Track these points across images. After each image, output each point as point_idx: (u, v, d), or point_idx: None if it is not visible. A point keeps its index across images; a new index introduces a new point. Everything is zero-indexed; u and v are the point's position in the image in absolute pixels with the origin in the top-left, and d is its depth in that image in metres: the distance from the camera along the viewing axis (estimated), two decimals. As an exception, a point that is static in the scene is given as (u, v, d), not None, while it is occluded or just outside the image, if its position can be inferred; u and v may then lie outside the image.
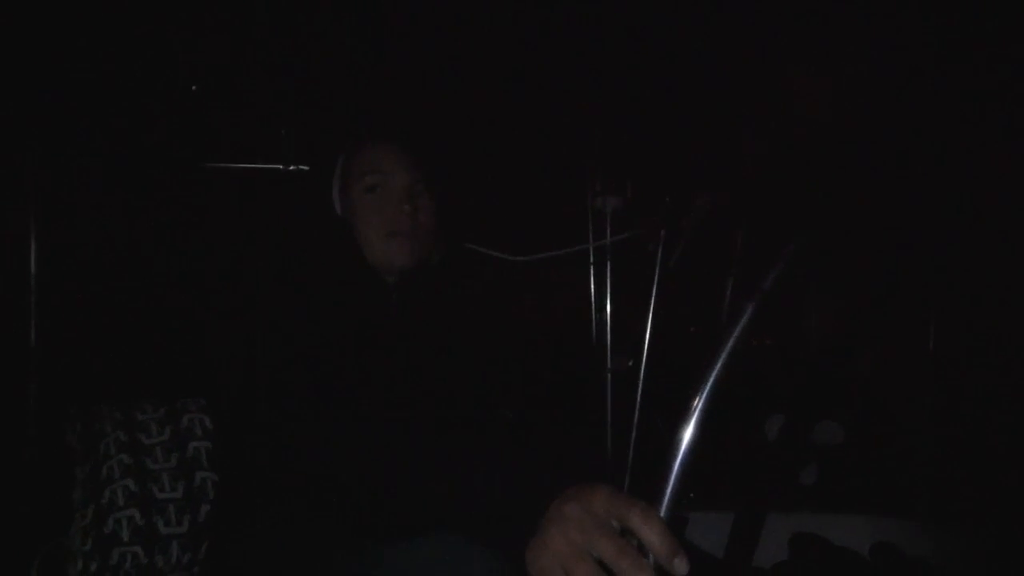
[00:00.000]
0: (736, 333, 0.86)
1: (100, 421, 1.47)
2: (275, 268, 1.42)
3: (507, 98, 2.20)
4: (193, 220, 1.79)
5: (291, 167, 1.97)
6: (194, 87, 1.76)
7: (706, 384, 0.85)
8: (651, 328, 1.99)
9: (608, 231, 2.27)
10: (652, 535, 0.81)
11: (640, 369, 2.02)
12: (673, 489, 0.82)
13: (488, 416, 1.36)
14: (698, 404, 0.84)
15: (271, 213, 1.85)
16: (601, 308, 2.34)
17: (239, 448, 1.31)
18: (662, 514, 0.82)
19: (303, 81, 2.02)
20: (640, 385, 2.03)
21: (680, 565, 0.80)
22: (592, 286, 2.32)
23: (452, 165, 1.48)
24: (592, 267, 2.28)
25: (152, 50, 1.78)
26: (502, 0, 2.16)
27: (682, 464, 0.83)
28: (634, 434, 2.03)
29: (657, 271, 1.95)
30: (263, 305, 1.34)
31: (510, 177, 2.36)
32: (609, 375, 2.32)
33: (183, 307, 1.72)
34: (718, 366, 0.85)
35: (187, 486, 1.39)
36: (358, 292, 1.34)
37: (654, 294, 1.97)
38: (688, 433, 0.83)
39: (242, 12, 1.86)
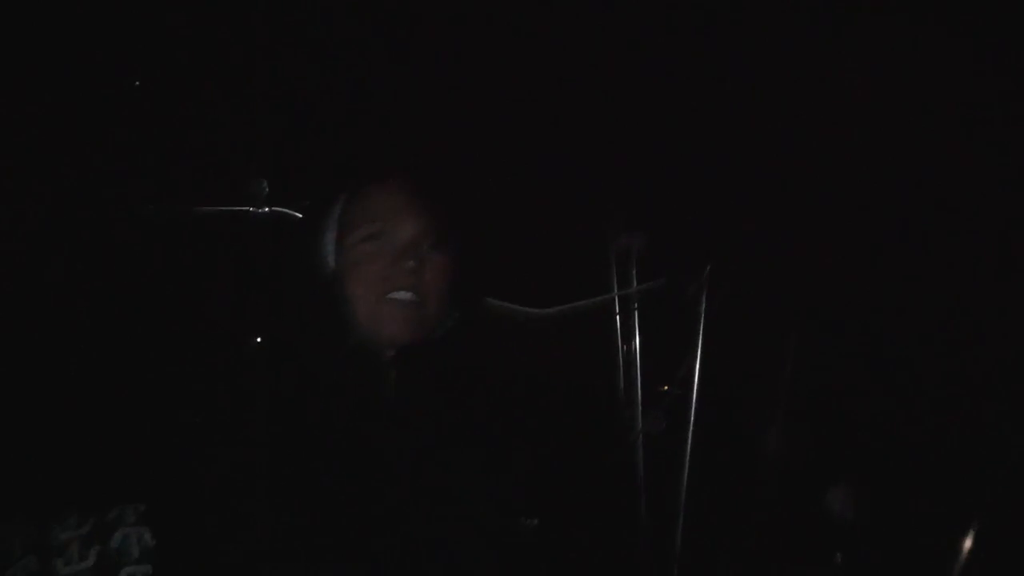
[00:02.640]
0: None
1: (7, 541, 1.13)
2: (239, 335, 1.14)
3: (512, 119, 1.92)
4: (131, 272, 1.47)
5: (264, 209, 1.66)
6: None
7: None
8: (697, 384, 1.67)
9: (634, 274, 1.99)
10: None
11: (688, 427, 1.70)
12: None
13: (507, 529, 1.06)
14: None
15: (239, 265, 1.54)
16: (629, 362, 2.04)
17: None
18: None
19: (286, 106, 1.73)
20: (688, 446, 1.71)
21: None
22: (619, 338, 2.02)
23: (473, 211, 1.20)
24: (617, 318, 1.99)
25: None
26: (513, 24, 1.90)
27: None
28: (681, 514, 1.70)
29: (701, 320, 1.64)
30: (221, 381, 1.07)
31: (518, 215, 2.06)
32: (640, 437, 2.02)
33: (118, 384, 1.39)
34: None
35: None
36: (346, 370, 1.04)
37: (699, 347, 1.65)
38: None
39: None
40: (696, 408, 1.65)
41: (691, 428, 1.63)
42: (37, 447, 1.34)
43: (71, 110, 1.59)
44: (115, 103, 1.63)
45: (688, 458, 1.64)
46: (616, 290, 1.96)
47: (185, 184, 1.57)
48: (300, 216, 1.55)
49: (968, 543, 1.60)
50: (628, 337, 2.02)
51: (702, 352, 1.66)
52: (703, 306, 1.64)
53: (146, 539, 1.17)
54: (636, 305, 1.96)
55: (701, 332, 1.64)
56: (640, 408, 2.03)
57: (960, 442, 1.88)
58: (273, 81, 1.72)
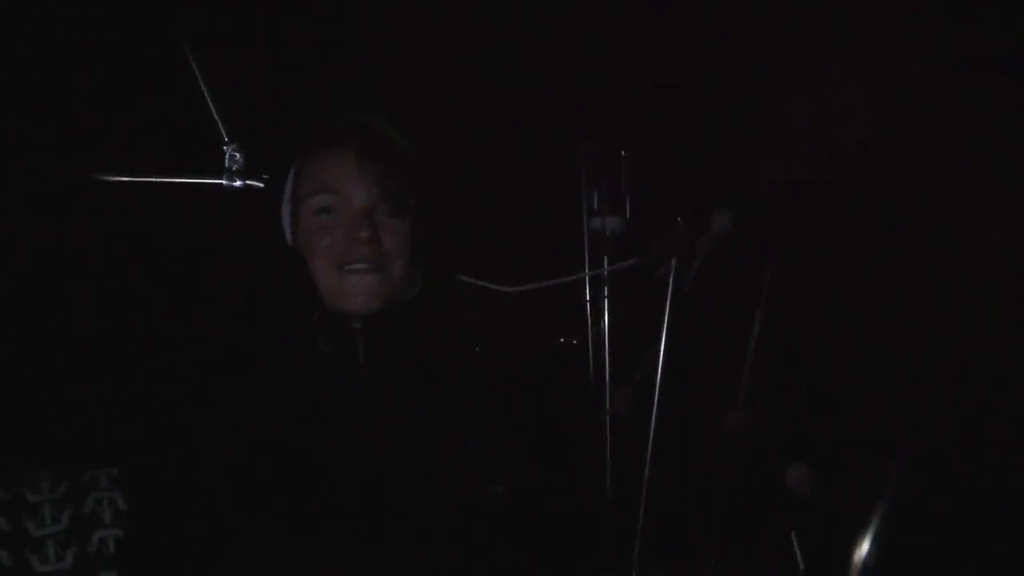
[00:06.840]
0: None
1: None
2: (208, 310, 1.15)
3: (487, 97, 1.91)
4: (103, 246, 1.46)
5: (237, 183, 1.66)
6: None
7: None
8: (662, 366, 1.71)
9: (606, 256, 2.02)
10: None
11: (652, 410, 1.74)
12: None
13: (478, 498, 1.09)
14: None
15: (207, 240, 1.53)
16: (599, 343, 2.08)
17: (152, 539, 1.03)
18: None
19: (256, 74, 1.72)
20: (652, 430, 1.75)
21: None
22: (588, 318, 2.05)
23: (434, 174, 1.18)
24: (588, 298, 2.02)
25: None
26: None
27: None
28: (644, 491, 1.75)
29: (668, 301, 1.68)
30: (190, 356, 1.08)
31: (490, 191, 2.06)
32: (608, 417, 2.06)
33: (93, 354, 1.40)
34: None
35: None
36: (312, 343, 1.05)
37: (665, 328, 1.69)
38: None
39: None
40: (661, 388, 1.69)
41: (655, 407, 1.67)
42: (12, 410, 1.35)
43: (41, 81, 1.56)
44: (87, 72, 1.61)
45: (652, 436, 1.68)
46: (588, 270, 2.00)
47: (154, 156, 1.55)
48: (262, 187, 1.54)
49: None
50: (598, 317, 2.06)
51: (668, 333, 1.69)
52: (670, 287, 1.67)
53: (118, 504, 1.19)
54: (607, 286, 2.00)
55: (667, 313, 1.67)
56: (608, 387, 2.08)
57: (919, 425, 1.93)
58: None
